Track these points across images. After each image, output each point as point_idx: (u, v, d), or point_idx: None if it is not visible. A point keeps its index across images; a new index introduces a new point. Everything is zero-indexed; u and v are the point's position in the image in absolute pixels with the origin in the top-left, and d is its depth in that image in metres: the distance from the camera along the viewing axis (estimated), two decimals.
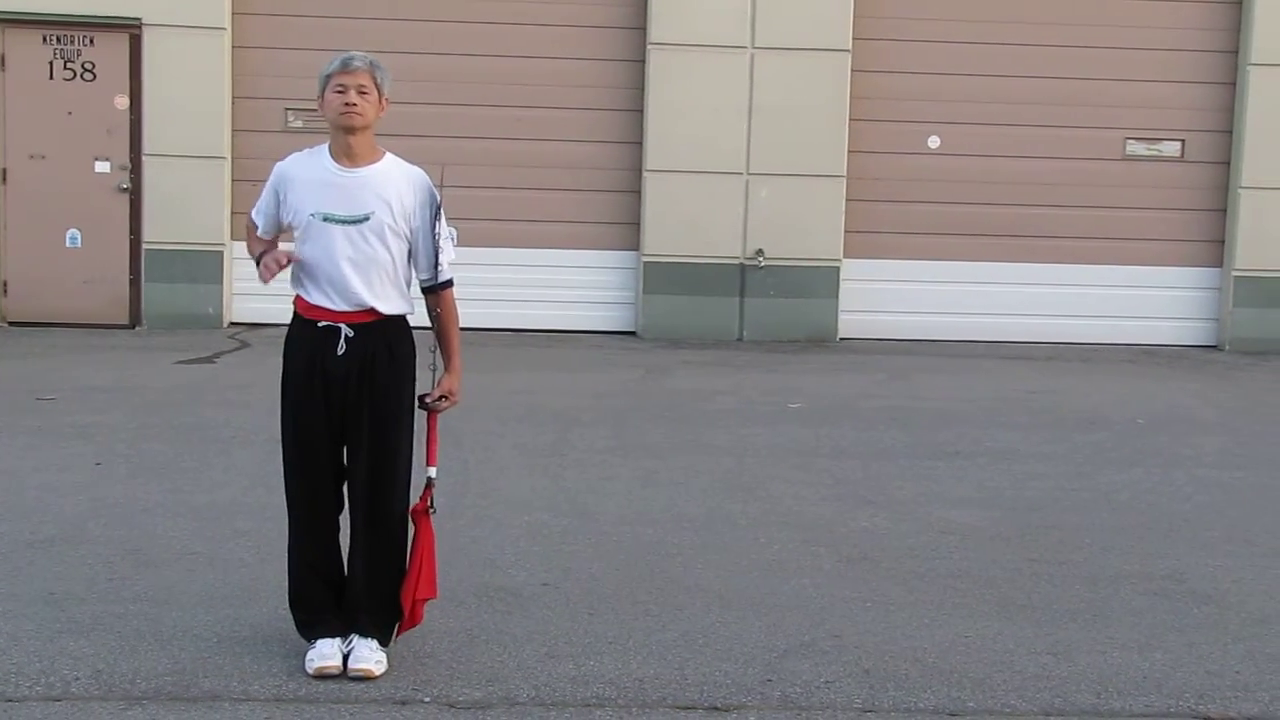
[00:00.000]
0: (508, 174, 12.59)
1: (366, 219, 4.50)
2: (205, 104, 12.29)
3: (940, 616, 5.38)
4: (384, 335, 4.56)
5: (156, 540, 6.06)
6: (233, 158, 12.42)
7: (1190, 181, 13.13)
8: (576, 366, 11.25)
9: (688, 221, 12.57)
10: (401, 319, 4.63)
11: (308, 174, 4.57)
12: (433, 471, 4.64)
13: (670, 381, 10.72)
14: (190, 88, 12.25)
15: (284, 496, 4.68)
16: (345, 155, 4.54)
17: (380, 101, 4.51)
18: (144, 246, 12.38)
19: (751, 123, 12.57)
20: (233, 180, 12.39)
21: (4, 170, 12.34)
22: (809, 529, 6.56)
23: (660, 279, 12.66)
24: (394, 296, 4.59)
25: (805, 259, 12.71)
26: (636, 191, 12.72)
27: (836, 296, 12.81)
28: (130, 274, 12.46)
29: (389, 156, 4.61)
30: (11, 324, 12.38)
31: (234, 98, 12.42)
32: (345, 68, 4.45)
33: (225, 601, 5.22)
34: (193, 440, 8.09)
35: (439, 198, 4.64)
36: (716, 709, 4.44)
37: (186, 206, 12.25)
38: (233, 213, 12.32)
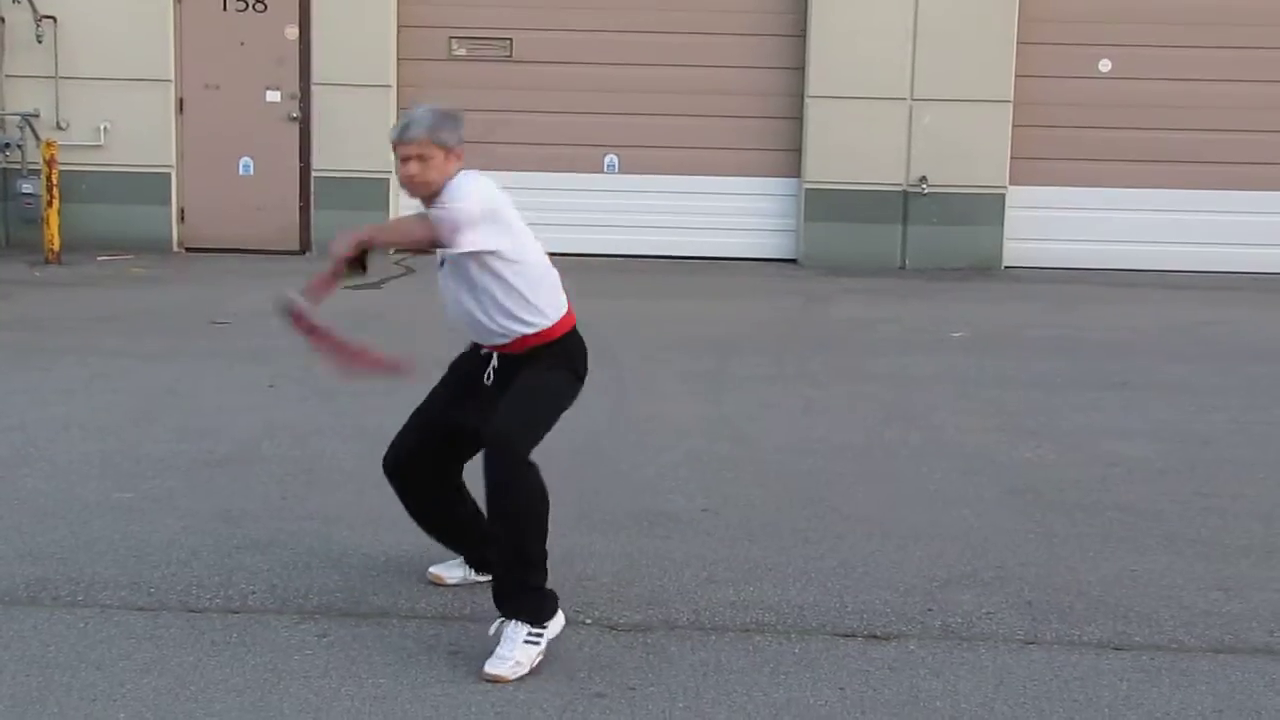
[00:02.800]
0: (670, 100, 12.55)
1: (446, 259, 4.37)
2: (371, 33, 12.46)
3: (1105, 550, 5.29)
4: (525, 356, 4.34)
5: (327, 461, 6.23)
6: (399, 86, 12.58)
7: None
8: (737, 294, 11.24)
9: (850, 148, 12.43)
10: (538, 334, 4.32)
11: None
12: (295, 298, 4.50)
13: (831, 310, 10.65)
14: (357, 17, 12.43)
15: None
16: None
17: (447, 158, 4.28)
18: (313, 174, 12.65)
19: (916, 47, 12.35)
20: (398, 108, 12.55)
21: (181, 100, 12.67)
22: (971, 459, 6.49)
23: (822, 206, 12.55)
24: (512, 321, 4.31)
25: (970, 186, 12.49)
26: (798, 118, 12.60)
27: (1002, 224, 12.58)
28: (300, 201, 12.74)
29: (450, 183, 4.29)
30: (189, 249, 12.75)
31: (399, 27, 12.56)
32: (401, 138, 4.27)
33: (392, 523, 5.34)
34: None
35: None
36: (876, 637, 4.43)
37: (354, 135, 12.46)
38: None
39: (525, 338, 4.30)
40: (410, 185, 4.32)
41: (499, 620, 4.16)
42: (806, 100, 12.50)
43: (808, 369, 8.47)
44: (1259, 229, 12.65)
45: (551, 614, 4.18)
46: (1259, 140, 12.59)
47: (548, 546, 4.20)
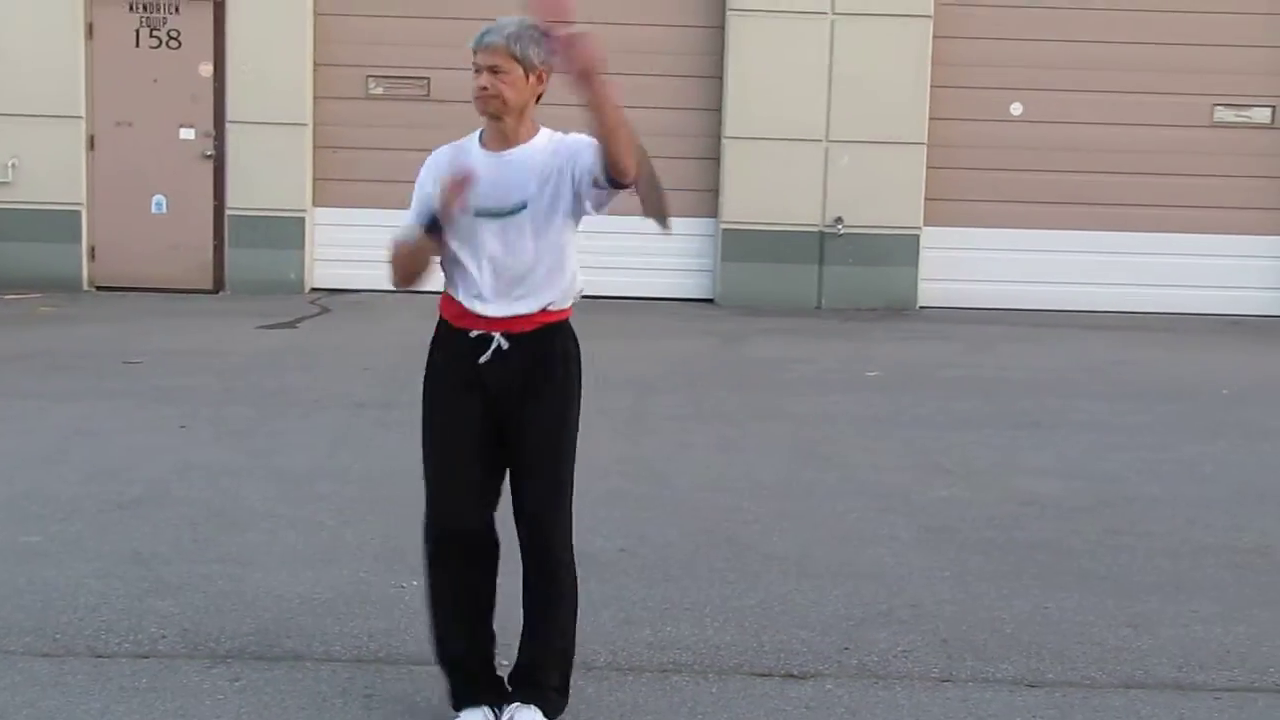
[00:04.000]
0: None
1: (519, 209, 3.88)
2: (287, 71, 12.40)
3: (1019, 587, 5.34)
4: (547, 343, 3.94)
5: (240, 502, 6.15)
6: (314, 124, 12.52)
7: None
8: (654, 334, 11.26)
9: (767, 189, 12.52)
10: (566, 323, 4.02)
11: (456, 162, 3.96)
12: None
13: (748, 349, 10.70)
14: (273, 55, 12.36)
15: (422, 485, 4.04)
16: (493, 140, 3.97)
17: (528, 78, 3.88)
18: (227, 212, 12.53)
19: (832, 89, 12.48)
20: (314, 147, 12.50)
21: (91, 137, 12.52)
22: (887, 498, 6.54)
23: (739, 246, 12.62)
24: (556, 294, 3.96)
25: (885, 227, 12.62)
26: (716, 158, 12.68)
27: (916, 264, 12.71)
28: (214, 240, 12.62)
29: (544, 132, 4.01)
30: (99, 288, 12.58)
31: (315, 65, 12.51)
32: (479, 44, 3.88)
33: (307, 563, 5.29)
34: (275, 404, 8.19)
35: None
36: (793, 676, 4.44)
37: (269, 173, 12.38)
38: (314, 179, 12.45)
39: (547, 312, 3.94)
40: (482, 101, 3.89)
41: (516, 706, 3.91)
42: (723, 141, 12.59)
43: (725, 408, 8.50)
44: (1167, 270, 12.87)
45: None
46: (1167, 183, 12.84)
47: None
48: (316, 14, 12.47)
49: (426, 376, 4.01)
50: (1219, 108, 12.85)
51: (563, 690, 4.00)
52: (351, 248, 12.38)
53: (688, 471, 6.95)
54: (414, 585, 5.14)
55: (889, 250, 12.64)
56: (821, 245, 12.65)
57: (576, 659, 4.06)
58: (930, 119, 12.59)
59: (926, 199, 12.67)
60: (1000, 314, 12.61)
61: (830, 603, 5.08)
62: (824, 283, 12.68)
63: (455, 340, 3.96)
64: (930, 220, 12.73)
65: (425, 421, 3.97)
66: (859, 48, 12.43)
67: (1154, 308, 12.83)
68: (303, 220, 12.42)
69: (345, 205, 12.49)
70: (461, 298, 3.97)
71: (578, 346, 4.06)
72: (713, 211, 12.75)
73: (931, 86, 12.55)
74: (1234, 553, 5.87)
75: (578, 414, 4.06)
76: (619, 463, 7.07)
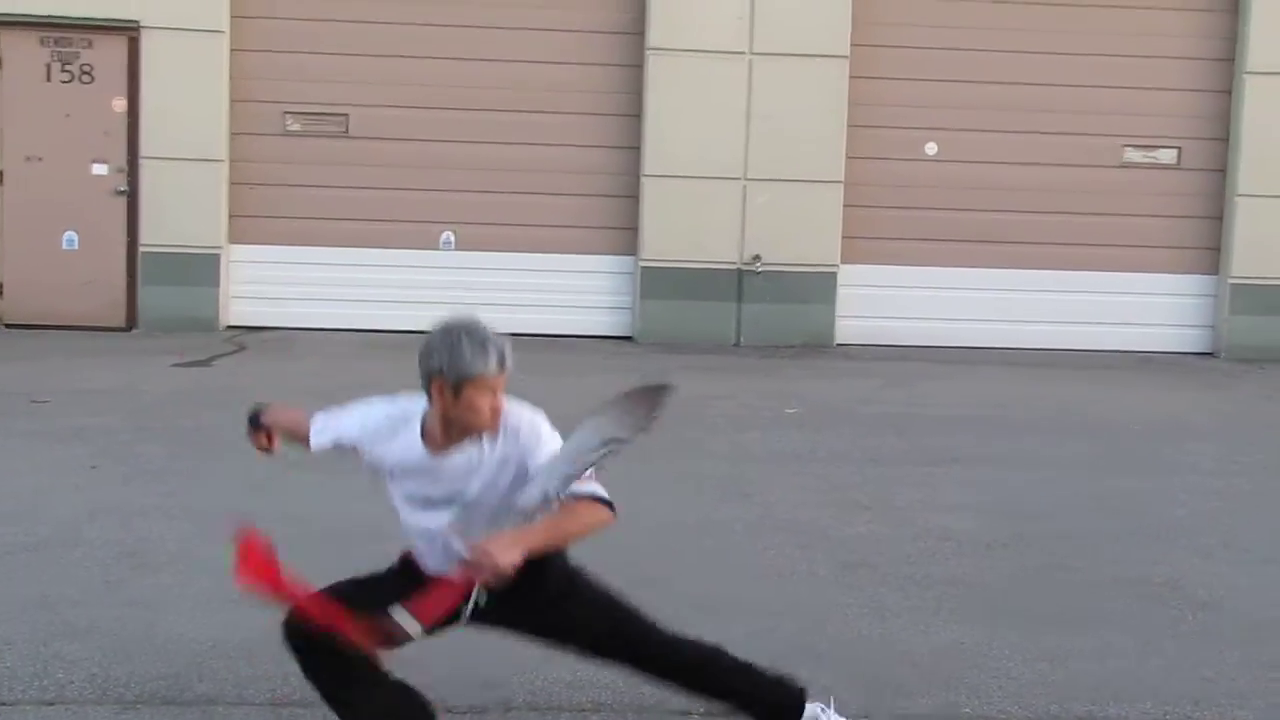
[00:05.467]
0: (505, 178, 12.58)
1: (461, 504, 3.80)
2: (203, 107, 12.28)
3: (936, 623, 5.37)
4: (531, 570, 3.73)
5: (152, 544, 6.05)
6: (230, 160, 12.41)
7: (1187, 189, 13.14)
8: (573, 371, 11.24)
9: (685, 227, 12.57)
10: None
11: (400, 452, 3.85)
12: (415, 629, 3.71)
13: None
14: (188, 91, 12.24)
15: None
16: (442, 443, 3.80)
17: None
18: (140, 249, 12.37)
19: (750, 128, 12.57)
20: (230, 183, 12.38)
21: (1, 172, 12.33)
22: (805, 534, 6.56)
23: (658, 284, 12.65)
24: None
25: (803, 264, 12.71)
26: (634, 196, 12.72)
27: (834, 302, 12.80)
28: (127, 276, 12.45)
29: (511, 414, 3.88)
30: (8, 326, 12.37)
31: (231, 101, 12.41)
32: (501, 370, 3.73)
33: (220, 606, 5.21)
34: (189, 444, 8.08)
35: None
36: (712, 715, 4.43)
37: (183, 209, 12.24)
38: (230, 215, 12.33)
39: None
40: (494, 421, 3.75)
41: None
42: (642, 179, 12.63)
43: (644, 446, 8.44)
44: (1079, 308, 13.05)
45: None
46: (1078, 222, 13.04)
47: None
48: (233, 49, 12.38)
49: None
50: (1128, 148, 13.09)
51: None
52: (269, 285, 12.28)
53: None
54: None
55: (807, 287, 12.73)
56: (740, 283, 12.71)
57: (498, 697, 4.06)
58: (847, 158, 12.71)
59: (844, 236, 12.78)
60: (917, 350, 12.73)
61: (749, 640, 5.07)
62: (742, 320, 12.74)
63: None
64: (847, 258, 12.84)
65: None
66: (777, 87, 12.53)
67: (1067, 345, 13.00)
68: (218, 257, 12.29)
69: (262, 242, 12.39)
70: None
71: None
72: (632, 249, 12.77)
73: (849, 126, 12.67)
74: (1146, 585, 5.95)
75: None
76: None
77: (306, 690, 4.42)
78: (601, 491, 3.80)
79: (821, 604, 5.52)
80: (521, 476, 3.75)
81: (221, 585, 4.56)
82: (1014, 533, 6.74)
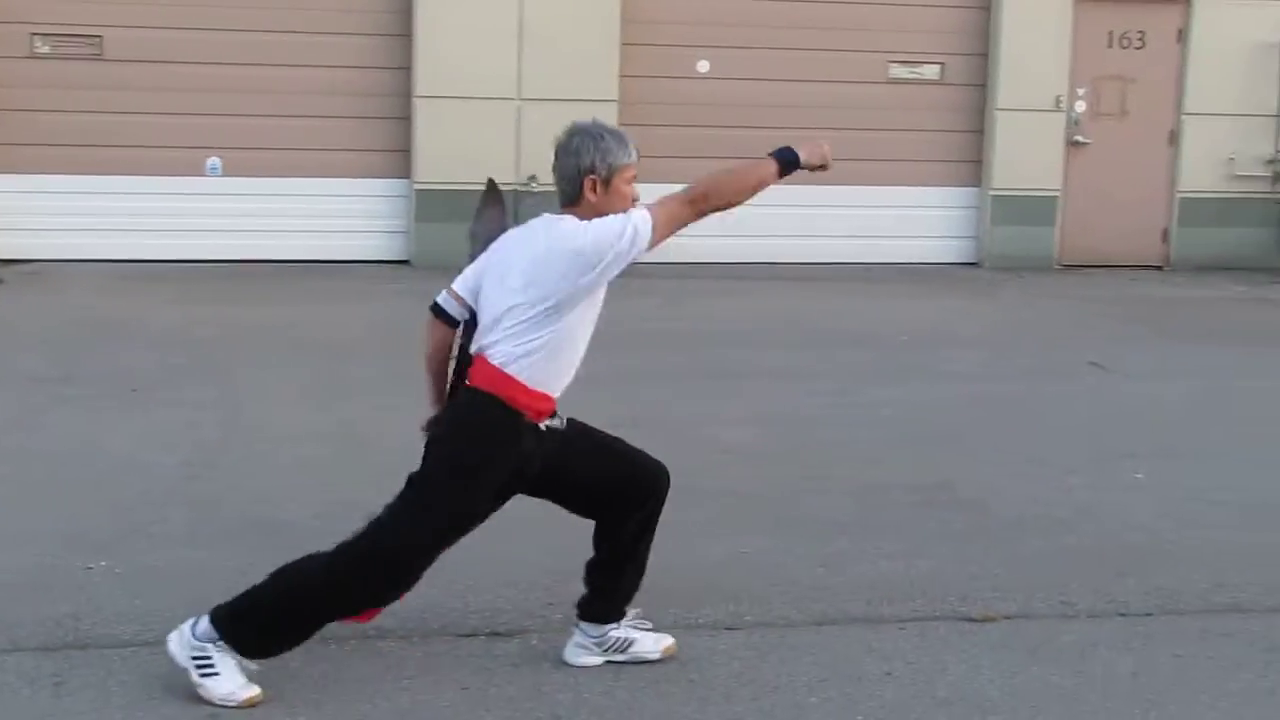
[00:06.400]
0: (273, 102, 12.23)
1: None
2: None
3: (716, 533, 5.49)
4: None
5: None
6: None
7: (950, 103, 13.49)
8: (349, 297, 11.07)
9: (459, 148, 12.41)
10: None
11: None
12: None
13: None
14: None
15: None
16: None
17: None
18: None
19: (522, 47, 12.46)
20: None
21: None
22: None
23: (433, 206, 12.50)
24: None
25: None
26: (407, 118, 12.52)
27: None
28: None
29: None
30: None
31: None
32: (638, 157, 4.25)
33: None
34: None
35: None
36: (498, 635, 4.46)
37: None
38: None
39: None
40: (632, 206, 4.19)
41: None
42: (414, 100, 12.44)
43: (420, 369, 8.41)
44: (851, 222, 13.29)
45: None
46: (848, 137, 13.16)
47: None
48: None
49: (470, 467, 4.21)
50: (894, 64, 13.37)
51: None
52: (27, 215, 11.70)
53: (386, 435, 6.85)
54: (101, 566, 4.95)
55: None
56: (516, 203, 12.64)
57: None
58: (621, 76, 12.70)
59: None
60: (695, 268, 12.85)
61: (534, 558, 5.11)
62: None
63: (522, 436, 4.23)
64: None
65: (449, 505, 4.20)
66: (549, 5, 12.43)
67: (839, 259, 13.24)
68: None
69: (17, 171, 11.81)
70: (551, 385, 4.36)
71: None
72: (405, 172, 12.59)
73: (621, 44, 12.65)
74: (917, 491, 6.17)
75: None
76: (313, 429, 6.94)
77: (81, 630, 4.32)
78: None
79: None
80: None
81: None
82: (790, 444, 6.91)
